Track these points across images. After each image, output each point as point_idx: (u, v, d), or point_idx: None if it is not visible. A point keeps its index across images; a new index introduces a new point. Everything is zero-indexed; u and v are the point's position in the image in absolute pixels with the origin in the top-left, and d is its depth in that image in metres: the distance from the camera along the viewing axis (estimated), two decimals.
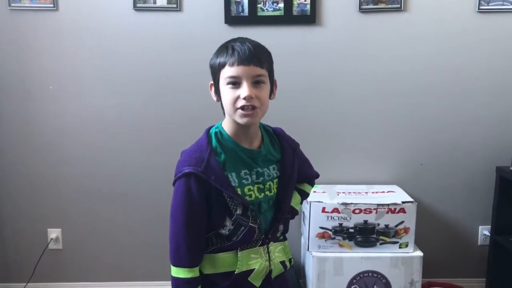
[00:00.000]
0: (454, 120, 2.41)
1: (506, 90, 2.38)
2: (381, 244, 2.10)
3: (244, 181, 1.20)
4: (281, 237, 1.33)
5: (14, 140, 2.42)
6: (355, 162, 2.44)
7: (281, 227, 1.31)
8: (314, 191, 2.22)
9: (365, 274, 2.09)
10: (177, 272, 1.20)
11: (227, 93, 1.15)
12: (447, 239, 2.51)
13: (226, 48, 1.16)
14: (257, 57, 1.13)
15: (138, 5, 2.30)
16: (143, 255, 2.52)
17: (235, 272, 1.21)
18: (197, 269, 1.21)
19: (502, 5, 2.30)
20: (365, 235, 2.10)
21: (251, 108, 1.13)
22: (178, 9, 2.31)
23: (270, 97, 1.22)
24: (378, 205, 2.08)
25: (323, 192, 2.24)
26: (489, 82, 2.38)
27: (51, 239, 2.48)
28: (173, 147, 2.40)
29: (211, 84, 1.23)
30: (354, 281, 2.10)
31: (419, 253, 2.11)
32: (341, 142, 2.43)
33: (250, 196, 1.21)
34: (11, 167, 2.44)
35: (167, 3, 2.31)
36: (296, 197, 1.40)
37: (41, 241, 2.49)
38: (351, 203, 2.09)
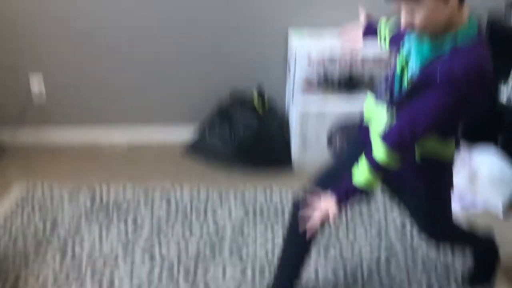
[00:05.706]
0: None
1: None
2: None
3: None
4: None
5: None
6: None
7: None
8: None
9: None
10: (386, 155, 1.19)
11: None
12: None
13: None
14: None
15: None
16: (132, 97, 2.50)
17: None
18: None
19: None
20: (350, 83, 2.15)
21: None
22: None
23: None
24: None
25: (311, 37, 2.21)
26: None
27: (33, 84, 2.42)
28: None
29: None
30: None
31: None
32: None
33: None
34: None
35: None
36: None
37: (23, 86, 2.42)
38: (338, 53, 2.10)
